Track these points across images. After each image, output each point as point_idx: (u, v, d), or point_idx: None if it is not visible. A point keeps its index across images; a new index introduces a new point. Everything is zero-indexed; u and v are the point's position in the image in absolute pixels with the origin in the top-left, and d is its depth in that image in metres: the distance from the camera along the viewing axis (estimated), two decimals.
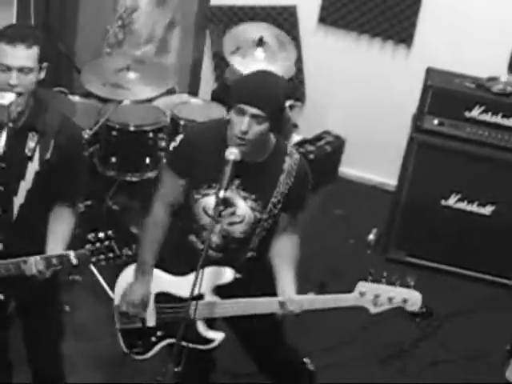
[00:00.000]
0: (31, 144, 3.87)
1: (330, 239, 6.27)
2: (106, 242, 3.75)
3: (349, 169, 6.91)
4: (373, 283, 3.78)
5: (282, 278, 3.99)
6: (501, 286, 6.30)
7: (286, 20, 6.90)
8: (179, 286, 4.07)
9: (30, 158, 3.86)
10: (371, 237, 6.55)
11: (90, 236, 3.73)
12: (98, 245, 3.75)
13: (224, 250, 4.06)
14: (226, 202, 3.88)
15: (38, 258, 3.75)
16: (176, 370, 3.82)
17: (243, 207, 3.95)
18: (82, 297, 5.54)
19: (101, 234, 3.75)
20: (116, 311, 4.33)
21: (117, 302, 4.31)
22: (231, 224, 3.99)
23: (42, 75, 3.82)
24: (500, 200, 6.22)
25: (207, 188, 3.93)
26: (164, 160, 4.05)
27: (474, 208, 6.28)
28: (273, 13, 6.88)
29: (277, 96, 3.87)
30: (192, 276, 3.73)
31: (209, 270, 3.97)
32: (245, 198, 3.94)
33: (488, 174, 6.19)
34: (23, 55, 3.69)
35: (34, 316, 4.28)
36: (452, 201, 6.31)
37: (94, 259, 3.75)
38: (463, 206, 6.30)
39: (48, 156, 3.87)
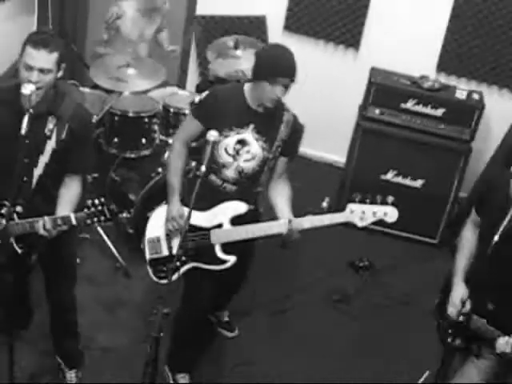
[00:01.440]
0: (50, 126, 3.89)
1: (295, 202, 6.27)
2: (100, 207, 3.74)
3: (306, 149, 6.86)
4: (360, 203, 3.98)
5: (284, 212, 4.13)
6: (427, 244, 6.32)
7: (257, 28, 6.81)
8: (202, 218, 4.17)
9: (49, 137, 3.91)
10: (324, 204, 6.59)
11: (88, 202, 3.73)
12: (92, 209, 3.73)
13: (239, 184, 4.19)
14: (243, 142, 4.10)
15: (46, 218, 3.77)
16: (165, 311, 3.71)
17: (256, 146, 4.13)
18: (90, 251, 5.46)
19: (96, 201, 3.73)
20: (147, 244, 4.43)
21: (148, 235, 4.42)
22: (246, 161, 4.14)
23: (60, 74, 3.86)
24: (428, 175, 6.35)
25: (228, 130, 4.07)
26: (190, 108, 4.12)
27: (407, 182, 6.40)
28: (246, 22, 6.87)
29: (297, 69, 4.04)
30: (213, 209, 4.08)
31: (226, 204, 4.16)
32: (257, 140, 4.11)
33: (419, 154, 6.31)
34: (44, 58, 3.71)
35: (53, 265, 4.31)
36: (390, 175, 6.41)
37: (89, 221, 3.75)
38: (399, 179, 6.41)
39: (63, 136, 3.92)
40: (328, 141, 6.98)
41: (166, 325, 3.73)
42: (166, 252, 4.33)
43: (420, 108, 6.18)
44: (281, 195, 4.25)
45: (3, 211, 3.89)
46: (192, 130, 4.23)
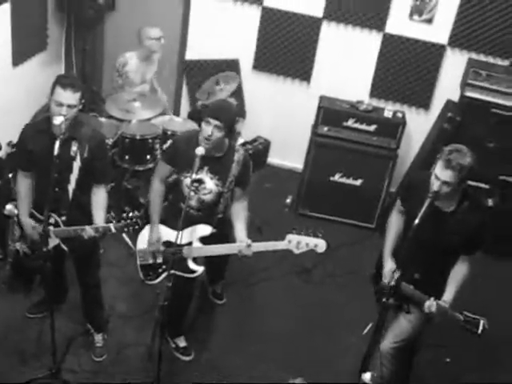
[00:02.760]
0: (74, 148, 3.92)
1: (262, 202, 6.26)
2: (134, 220, 3.81)
3: (273, 159, 6.89)
4: (296, 235, 3.90)
5: (240, 231, 4.11)
6: (366, 228, 6.34)
7: (233, 68, 6.79)
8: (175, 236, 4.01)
9: (74, 158, 3.93)
10: (288, 201, 6.58)
11: (124, 214, 3.83)
12: (128, 221, 3.82)
13: (201, 211, 4.18)
14: (200, 181, 4.05)
15: (90, 228, 3.89)
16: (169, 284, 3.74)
17: (210, 184, 4.10)
18: (111, 242, 5.43)
19: (131, 214, 3.83)
20: (138, 253, 4.43)
21: (138, 247, 4.41)
22: (204, 194, 4.12)
23: (81, 107, 3.88)
24: (365, 176, 6.32)
25: (187, 172, 4.02)
26: (159, 156, 4.11)
27: (349, 181, 6.36)
28: (224, 64, 6.79)
29: (230, 114, 4.06)
30: (185, 230, 3.92)
31: (194, 227, 4.12)
32: (211, 178, 4.08)
33: (358, 160, 6.27)
34: (71, 97, 3.76)
35: (87, 258, 4.37)
36: (337, 177, 6.37)
37: (125, 229, 3.84)
38: (343, 180, 6.37)
39: (85, 155, 3.93)
40: (289, 152, 6.92)
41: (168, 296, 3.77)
42: (151, 261, 4.34)
43: (358, 125, 6.15)
44: (238, 219, 4.16)
45: (52, 220, 3.95)
46: (164, 170, 4.24)
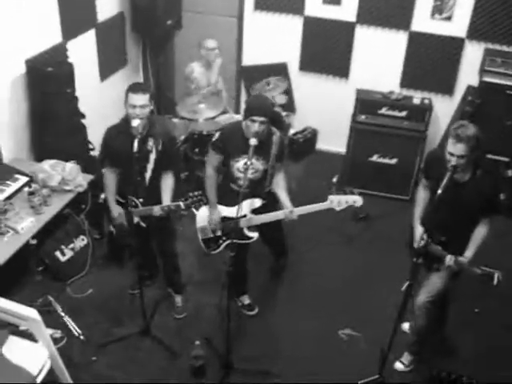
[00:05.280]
0: (150, 144, 4.01)
1: (313, 182, 6.25)
2: (199, 197, 3.85)
3: (321, 145, 6.86)
4: (336, 195, 3.87)
5: (283, 199, 4.08)
6: (402, 200, 6.23)
7: (282, 70, 6.77)
8: (231, 212, 4.08)
9: (151, 151, 4.02)
10: (334, 180, 6.49)
11: (191, 194, 3.86)
12: (194, 198, 3.85)
13: (250, 188, 4.09)
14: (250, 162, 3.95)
15: (158, 207, 3.97)
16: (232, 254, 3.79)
17: (256, 163, 4.05)
18: (189, 221, 5.50)
19: (195, 192, 3.85)
20: (198, 230, 4.42)
21: (198, 225, 4.40)
22: (252, 174, 4.06)
23: (152, 107, 3.98)
24: (399, 156, 6.18)
25: (237, 157, 4.02)
26: (209, 146, 4.15)
27: (386, 160, 6.23)
28: (275, 67, 6.78)
29: (269, 106, 4.02)
30: (238, 206, 3.83)
31: (247, 201, 4.09)
32: (257, 159, 4.02)
33: (392, 142, 6.13)
34: (142, 98, 3.83)
35: (164, 232, 4.45)
36: (375, 157, 6.25)
37: (192, 206, 3.89)
38: (380, 160, 6.24)
39: (160, 148, 4.02)
40: (334, 138, 6.71)
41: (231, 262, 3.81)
42: (211, 235, 4.33)
43: (390, 112, 6.05)
44: (280, 188, 4.12)
45: (132, 203, 4.03)
46: (214, 159, 4.14)
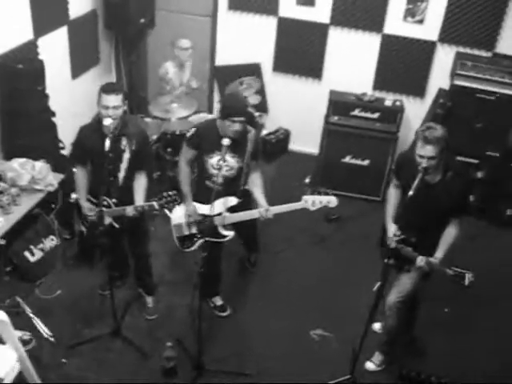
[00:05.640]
0: (124, 143, 3.98)
1: (286, 182, 6.26)
2: (173, 197, 3.81)
3: (293, 146, 6.88)
4: (310, 195, 3.89)
5: (258, 197, 4.11)
6: (374, 201, 6.26)
7: (256, 70, 6.74)
8: (206, 209, 4.09)
9: (124, 151, 4.00)
10: (307, 180, 6.51)
11: (165, 193, 3.81)
12: (168, 198, 3.81)
13: (225, 185, 4.10)
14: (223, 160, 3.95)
15: (131, 207, 3.94)
16: (204, 255, 3.75)
17: (231, 161, 4.07)
18: (161, 221, 5.48)
19: (170, 192, 3.80)
20: (173, 228, 4.40)
21: (173, 222, 4.39)
22: (227, 171, 4.07)
23: (125, 108, 3.97)
24: (371, 157, 6.22)
25: (211, 154, 4.04)
26: (184, 141, 4.15)
27: (358, 162, 6.26)
28: (249, 67, 6.77)
29: (247, 106, 4.16)
30: (214, 203, 3.94)
31: (222, 199, 4.09)
32: (232, 157, 4.05)
33: (365, 143, 6.16)
34: (114, 99, 3.81)
35: (136, 232, 4.41)
36: (347, 159, 6.28)
37: (166, 206, 3.84)
38: (353, 161, 6.27)
39: (134, 148, 4.00)
40: (306, 139, 6.76)
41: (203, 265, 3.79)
42: (186, 232, 4.32)
43: (363, 114, 6.07)
44: (256, 186, 4.16)
45: (105, 203, 3.99)
46: (189, 154, 4.17)
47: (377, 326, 4.53)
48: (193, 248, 4.36)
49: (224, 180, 4.07)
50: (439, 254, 3.65)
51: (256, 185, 4.17)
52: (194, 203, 4.21)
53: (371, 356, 4.30)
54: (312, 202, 3.86)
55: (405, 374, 4.17)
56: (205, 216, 4.15)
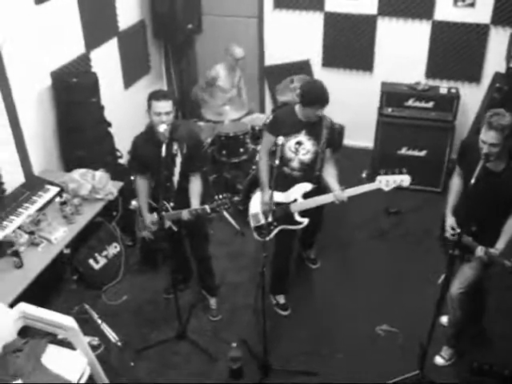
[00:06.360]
0: (175, 147, 4.03)
1: (342, 177, 6.20)
2: (224, 200, 3.85)
3: (348, 141, 6.79)
4: (384, 175, 3.89)
5: (332, 183, 4.16)
6: (434, 192, 6.14)
7: (305, 67, 6.76)
8: (283, 197, 4.25)
9: (176, 155, 4.05)
10: (364, 175, 6.45)
11: (216, 197, 3.88)
12: (219, 202, 3.86)
13: (301, 171, 4.23)
14: (299, 143, 4.13)
15: (186, 211, 3.98)
16: (265, 255, 3.71)
17: (308, 144, 4.16)
18: (218, 225, 5.54)
19: (221, 195, 3.87)
20: (251, 217, 4.51)
21: (251, 212, 4.50)
22: (303, 155, 4.17)
23: (175, 113, 3.98)
24: (428, 147, 6.08)
25: (289, 136, 4.11)
26: (263, 128, 4.26)
27: (415, 153, 6.14)
28: (298, 65, 6.79)
29: (328, 95, 4.02)
30: (290, 190, 4.16)
31: (299, 185, 4.22)
32: (308, 139, 4.15)
33: (420, 134, 6.04)
34: (165, 105, 3.85)
35: (196, 235, 4.46)
36: (403, 150, 6.17)
37: (218, 209, 3.88)
38: (409, 152, 6.16)
39: (184, 152, 4.05)
40: (360, 133, 6.73)
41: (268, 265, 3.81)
42: (263, 221, 4.36)
43: (417, 103, 5.95)
44: (330, 174, 4.22)
45: (164, 207, 4.03)
46: (269, 141, 4.21)
47: (444, 319, 4.42)
48: (270, 236, 4.38)
49: (301, 165, 4.18)
50: (500, 244, 3.54)
51: (330, 173, 4.23)
52: (271, 191, 4.18)
53: (440, 350, 4.22)
54: (386, 181, 3.89)
55: (476, 368, 4.06)
56: (281, 204, 4.24)
